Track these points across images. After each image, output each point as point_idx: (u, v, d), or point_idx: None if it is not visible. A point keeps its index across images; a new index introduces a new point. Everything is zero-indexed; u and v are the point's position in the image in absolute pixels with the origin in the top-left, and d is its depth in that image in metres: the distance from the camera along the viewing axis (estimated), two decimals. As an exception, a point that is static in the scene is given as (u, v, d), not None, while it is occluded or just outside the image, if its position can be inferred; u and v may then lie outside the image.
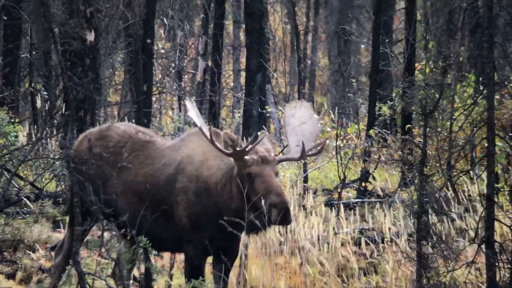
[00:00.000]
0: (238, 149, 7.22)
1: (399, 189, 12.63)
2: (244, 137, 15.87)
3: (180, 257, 9.44)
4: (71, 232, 7.66)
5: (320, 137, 7.94)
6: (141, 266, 7.38)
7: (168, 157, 7.65)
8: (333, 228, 9.85)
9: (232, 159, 7.34)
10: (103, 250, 6.84)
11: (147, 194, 7.59)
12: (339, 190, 13.09)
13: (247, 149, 7.23)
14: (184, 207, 7.43)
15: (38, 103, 16.72)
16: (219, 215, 7.37)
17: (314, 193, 13.51)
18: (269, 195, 7.16)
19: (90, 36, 12.60)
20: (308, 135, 7.71)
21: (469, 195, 10.33)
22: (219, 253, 7.51)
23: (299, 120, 7.76)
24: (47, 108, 16.77)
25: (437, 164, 7.92)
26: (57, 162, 11.69)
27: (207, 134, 7.28)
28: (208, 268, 7.83)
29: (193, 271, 7.47)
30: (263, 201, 7.15)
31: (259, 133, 7.75)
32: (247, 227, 7.33)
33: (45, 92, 16.68)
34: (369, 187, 13.54)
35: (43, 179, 12.54)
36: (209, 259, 7.73)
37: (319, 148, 7.65)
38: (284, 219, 7.15)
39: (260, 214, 7.22)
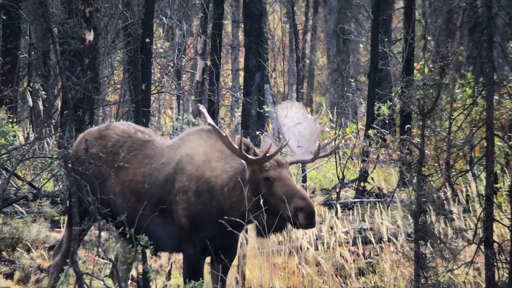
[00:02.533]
0: (268, 155, 7.20)
1: (397, 189, 12.63)
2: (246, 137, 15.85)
3: (178, 257, 9.43)
4: (70, 232, 7.64)
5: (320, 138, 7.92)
6: (139, 266, 7.35)
7: (167, 156, 7.63)
8: (331, 228, 9.84)
9: (243, 162, 7.32)
10: (100, 250, 6.82)
11: (146, 193, 7.58)
12: (337, 190, 13.10)
13: (274, 155, 7.23)
14: (183, 206, 7.42)
15: (30, 102, 16.70)
16: (221, 216, 7.37)
17: (313, 192, 13.51)
18: (293, 199, 7.16)
19: (89, 36, 12.59)
20: (308, 135, 7.69)
21: (468, 195, 10.33)
22: (218, 253, 7.50)
23: (293, 120, 7.74)
24: (41, 107, 16.75)
25: (436, 164, 7.91)
26: (55, 162, 11.68)
27: (234, 143, 7.25)
28: (206, 268, 7.82)
29: (192, 271, 7.46)
30: (284, 205, 7.17)
31: (263, 134, 7.71)
32: (259, 230, 7.33)
33: (43, 92, 16.67)
34: (368, 187, 13.54)
35: (41, 179, 12.53)
36: (207, 259, 7.72)
37: (328, 146, 7.67)
38: (310, 222, 7.17)
39: (274, 218, 7.23)
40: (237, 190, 7.35)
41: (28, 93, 16.71)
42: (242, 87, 21.23)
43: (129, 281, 8.34)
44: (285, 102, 7.86)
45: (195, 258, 7.48)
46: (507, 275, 7.57)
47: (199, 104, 7.63)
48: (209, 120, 7.22)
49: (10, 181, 11.72)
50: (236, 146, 7.21)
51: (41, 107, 16.75)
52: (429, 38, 17.34)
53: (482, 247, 7.61)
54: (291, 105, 7.80)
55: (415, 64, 15.89)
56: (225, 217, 7.34)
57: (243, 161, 7.32)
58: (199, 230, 7.42)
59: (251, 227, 8.06)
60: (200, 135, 7.59)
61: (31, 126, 16.82)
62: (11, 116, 14.51)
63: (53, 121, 16.60)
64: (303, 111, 7.76)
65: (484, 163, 7.92)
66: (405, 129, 13.91)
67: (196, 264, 7.48)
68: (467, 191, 10.39)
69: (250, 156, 7.25)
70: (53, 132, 15.22)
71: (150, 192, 7.56)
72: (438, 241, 7.50)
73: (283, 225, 7.35)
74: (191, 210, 7.41)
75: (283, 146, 7.30)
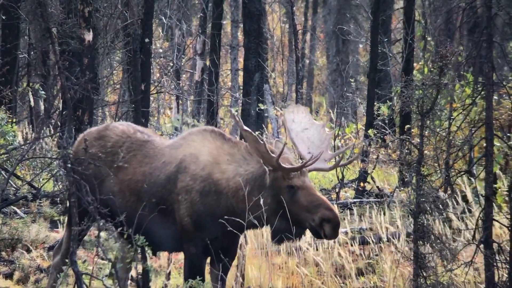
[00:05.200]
0: (307, 165, 7.20)
1: (397, 189, 12.62)
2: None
3: (178, 257, 9.42)
4: (69, 232, 7.64)
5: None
6: (138, 266, 7.35)
7: (168, 156, 7.61)
8: (331, 228, 9.81)
9: (265, 168, 7.30)
10: (99, 250, 6.82)
11: (146, 193, 7.56)
12: (337, 190, 13.10)
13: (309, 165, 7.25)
14: (186, 206, 7.40)
15: (32, 101, 16.71)
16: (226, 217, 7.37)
17: (312, 193, 13.45)
18: (320, 209, 7.19)
19: (88, 36, 12.58)
20: (317, 142, 7.66)
21: (465, 195, 10.32)
22: (218, 253, 7.50)
23: (300, 125, 7.71)
24: (42, 107, 16.76)
25: (436, 164, 7.91)
26: (54, 162, 11.68)
27: (275, 155, 7.22)
28: (206, 268, 7.83)
29: (193, 271, 7.45)
30: (308, 214, 7.19)
31: (275, 140, 7.68)
32: (275, 236, 7.36)
33: (43, 92, 16.68)
34: (367, 187, 13.54)
35: (41, 179, 12.52)
36: (208, 259, 7.71)
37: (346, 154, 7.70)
38: (336, 233, 7.22)
39: (289, 225, 7.25)
40: (254, 195, 7.33)
41: (30, 93, 16.72)
42: (241, 87, 21.24)
43: (129, 281, 8.33)
44: (291, 106, 7.82)
45: (197, 258, 7.48)
46: (507, 275, 7.56)
47: (232, 109, 7.63)
48: (245, 127, 7.19)
49: (10, 181, 11.72)
50: (274, 156, 7.19)
51: (42, 107, 16.76)
52: (428, 38, 17.34)
53: (481, 247, 7.61)
54: (297, 110, 7.77)
55: (414, 64, 15.90)
56: (225, 217, 7.34)
57: (265, 167, 7.29)
58: (202, 230, 7.41)
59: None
60: (204, 135, 7.57)
61: (30, 126, 16.83)
62: (11, 116, 14.51)
63: (53, 121, 16.60)
64: (309, 117, 7.74)
65: (483, 163, 7.91)
66: (405, 129, 13.91)
67: (198, 264, 7.47)
68: (466, 191, 10.39)
69: (286, 166, 7.23)
70: (52, 132, 15.22)
71: (150, 191, 7.55)
72: (438, 241, 7.50)
73: (301, 233, 7.37)
74: (194, 210, 7.39)
75: (314, 160, 7.27)
